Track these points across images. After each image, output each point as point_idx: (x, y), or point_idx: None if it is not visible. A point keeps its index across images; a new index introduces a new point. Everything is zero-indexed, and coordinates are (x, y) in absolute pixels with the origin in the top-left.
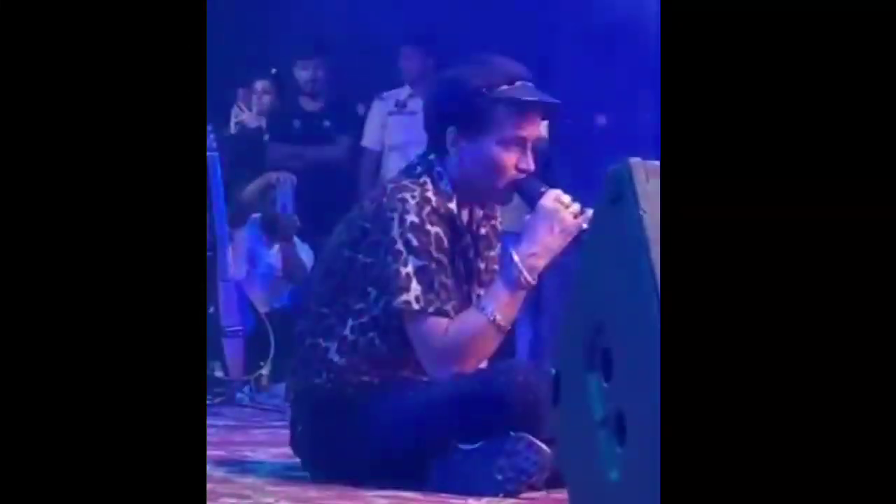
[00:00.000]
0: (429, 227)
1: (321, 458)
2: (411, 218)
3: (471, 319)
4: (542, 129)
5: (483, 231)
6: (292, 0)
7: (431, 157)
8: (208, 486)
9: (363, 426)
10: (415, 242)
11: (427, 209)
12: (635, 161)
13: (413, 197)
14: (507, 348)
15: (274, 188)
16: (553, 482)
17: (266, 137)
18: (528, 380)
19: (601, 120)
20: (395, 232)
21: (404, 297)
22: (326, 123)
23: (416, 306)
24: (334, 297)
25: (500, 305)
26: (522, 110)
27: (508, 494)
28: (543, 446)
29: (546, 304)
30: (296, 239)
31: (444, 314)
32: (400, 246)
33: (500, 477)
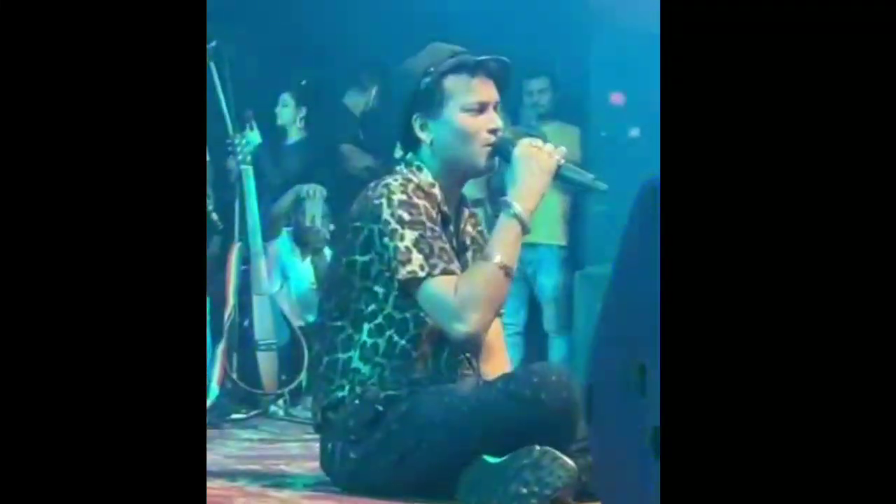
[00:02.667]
0: (416, 199)
1: (351, 473)
2: (398, 196)
3: (478, 269)
4: (496, 91)
5: (469, 229)
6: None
7: (408, 155)
8: (243, 500)
9: (394, 441)
10: (406, 217)
11: (411, 185)
12: None
13: (395, 180)
14: (539, 359)
15: (304, 200)
16: (583, 496)
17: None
18: (561, 379)
19: (634, 132)
20: (386, 214)
21: (409, 267)
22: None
23: (421, 273)
24: (345, 308)
25: (503, 250)
26: (472, 75)
27: None
28: (568, 460)
29: (578, 317)
30: (327, 250)
31: (451, 273)
32: (394, 224)
33: (524, 490)
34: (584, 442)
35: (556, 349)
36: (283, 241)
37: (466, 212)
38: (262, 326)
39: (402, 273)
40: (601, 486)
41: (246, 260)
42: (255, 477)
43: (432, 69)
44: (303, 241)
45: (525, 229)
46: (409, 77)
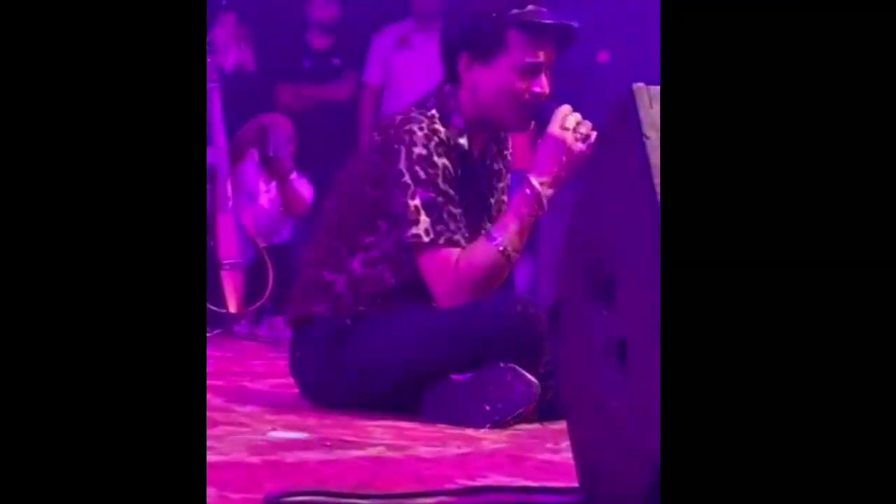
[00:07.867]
0: (436, 158)
1: (317, 385)
2: (418, 150)
3: (480, 250)
4: (553, 53)
5: (496, 166)
6: None
7: (446, 88)
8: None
9: (360, 355)
10: (422, 175)
11: (435, 140)
12: (639, 86)
13: (421, 129)
14: (505, 280)
15: (267, 130)
16: (549, 415)
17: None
18: (527, 311)
19: (604, 56)
20: (403, 164)
21: (414, 230)
22: (336, 61)
23: (425, 238)
24: (345, 230)
25: (509, 235)
26: (535, 34)
27: (496, 425)
28: (532, 378)
29: (544, 238)
30: (295, 174)
31: (455, 244)
32: (407, 178)
33: (488, 408)
34: (551, 366)
35: (520, 267)
36: (250, 163)
37: (495, 148)
38: (227, 246)
39: (408, 234)
40: (566, 400)
41: (211, 178)
42: (217, 392)
43: (494, 13)
44: (268, 167)
45: (537, 216)
46: (466, 10)
